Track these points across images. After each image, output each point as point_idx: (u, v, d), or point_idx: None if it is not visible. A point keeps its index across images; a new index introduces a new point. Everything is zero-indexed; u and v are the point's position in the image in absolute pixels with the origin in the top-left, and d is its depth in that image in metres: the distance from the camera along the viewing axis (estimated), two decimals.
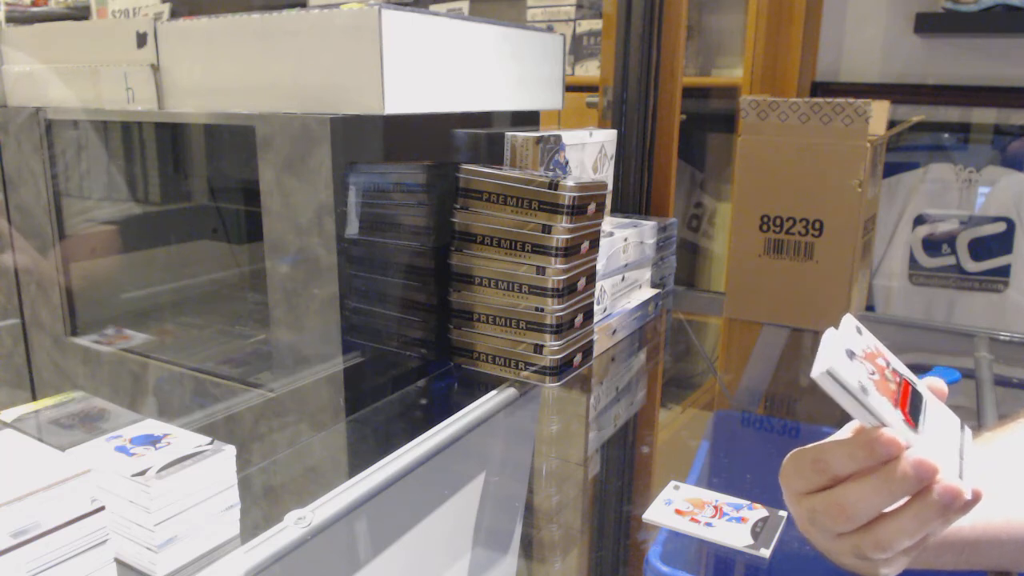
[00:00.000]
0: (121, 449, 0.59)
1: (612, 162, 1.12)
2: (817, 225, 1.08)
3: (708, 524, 0.65)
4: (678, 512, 0.67)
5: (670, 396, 1.06)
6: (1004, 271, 1.36)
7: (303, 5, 0.95)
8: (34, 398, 0.69)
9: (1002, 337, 1.13)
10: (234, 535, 0.61)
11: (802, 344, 1.14)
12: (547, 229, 0.80)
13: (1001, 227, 1.36)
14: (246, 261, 1.05)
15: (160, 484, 0.56)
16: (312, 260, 0.81)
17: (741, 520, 0.66)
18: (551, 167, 0.94)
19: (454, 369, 0.89)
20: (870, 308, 1.44)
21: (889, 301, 1.45)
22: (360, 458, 0.72)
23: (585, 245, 0.85)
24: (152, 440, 0.61)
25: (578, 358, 0.89)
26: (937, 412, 0.46)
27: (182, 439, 0.61)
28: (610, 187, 1.12)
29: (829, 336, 0.43)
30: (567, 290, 0.83)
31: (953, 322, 1.38)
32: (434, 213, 0.86)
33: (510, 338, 0.85)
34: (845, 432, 0.49)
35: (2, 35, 1.10)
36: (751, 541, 0.63)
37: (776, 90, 1.44)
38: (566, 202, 0.79)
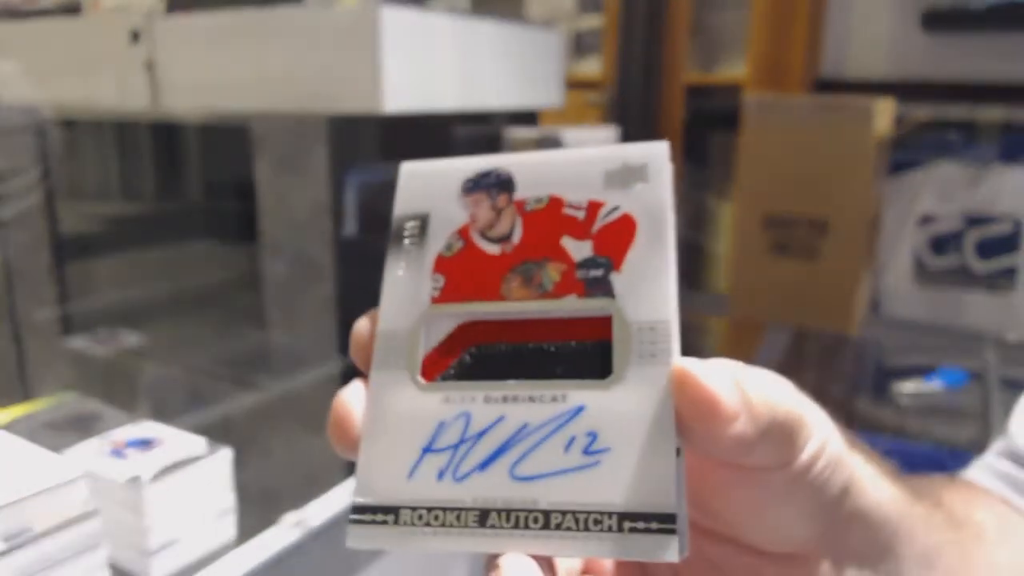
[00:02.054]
0: (115, 452, 0.59)
1: None
2: (822, 225, 1.07)
3: None
4: None
5: None
6: (1011, 271, 1.35)
7: (299, 1, 0.94)
8: (27, 400, 0.68)
9: (1009, 338, 1.13)
10: (230, 538, 0.61)
11: (807, 345, 1.13)
12: None
13: (1008, 227, 1.35)
14: (242, 261, 1.05)
15: (154, 488, 0.55)
16: (309, 260, 0.80)
17: None
18: None
19: None
20: (875, 308, 1.43)
21: (895, 301, 1.44)
22: None
23: None
24: (147, 442, 0.60)
25: None
26: None
27: (177, 441, 0.60)
28: None
29: None
30: None
31: (959, 323, 1.37)
32: None
33: None
34: None
35: None
36: None
37: (780, 88, 1.43)
38: None
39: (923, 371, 0.99)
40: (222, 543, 0.60)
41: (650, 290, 0.19)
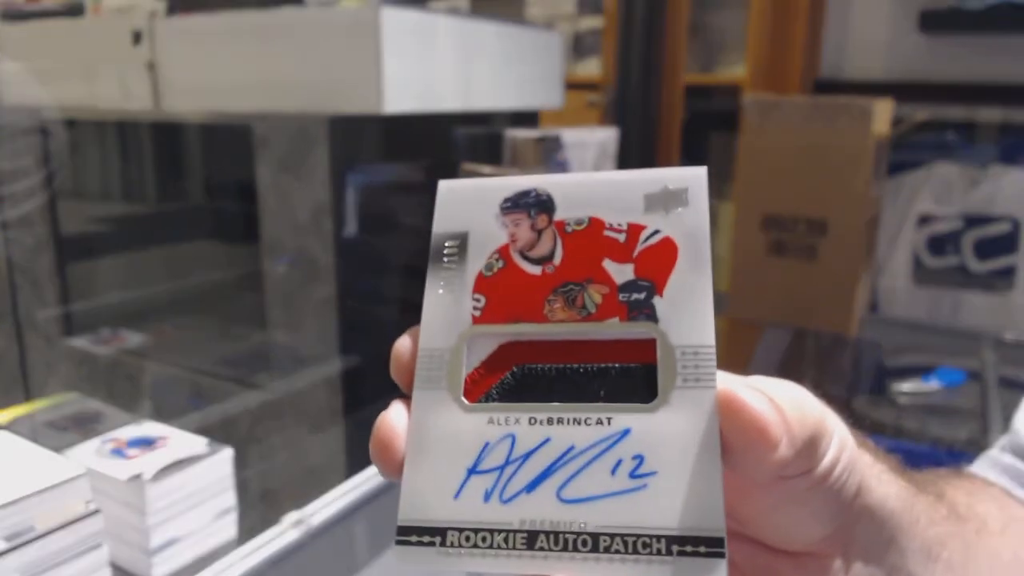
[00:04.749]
0: (116, 451, 0.59)
1: (613, 161, 1.12)
2: (821, 225, 1.07)
3: None
4: None
5: None
6: (1009, 271, 1.35)
7: (300, 2, 0.94)
8: (28, 400, 0.69)
9: (1007, 338, 1.13)
10: (231, 537, 0.61)
11: (806, 344, 1.13)
12: None
13: (1006, 227, 1.35)
14: (244, 261, 1.05)
15: (156, 487, 0.55)
16: (310, 260, 0.81)
17: None
18: (551, 166, 0.93)
19: None
20: (874, 309, 1.43)
21: (893, 301, 1.45)
22: (358, 459, 0.71)
23: None
24: (148, 442, 0.60)
25: None
26: None
27: (179, 441, 0.61)
28: None
29: None
30: None
31: (958, 323, 1.37)
32: (433, 213, 0.85)
33: None
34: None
35: None
36: None
37: (779, 88, 1.43)
38: None
39: (921, 371, 0.99)
40: (223, 542, 0.60)
41: (692, 315, 0.19)
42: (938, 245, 1.40)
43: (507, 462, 0.19)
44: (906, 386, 0.95)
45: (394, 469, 0.20)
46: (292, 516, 0.61)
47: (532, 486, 0.18)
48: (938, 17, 1.32)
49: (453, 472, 0.19)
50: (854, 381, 1.09)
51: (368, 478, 0.68)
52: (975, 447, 0.81)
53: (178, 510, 0.57)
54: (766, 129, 1.09)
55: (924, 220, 1.41)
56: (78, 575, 0.50)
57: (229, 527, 0.61)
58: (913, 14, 1.36)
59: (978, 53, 1.36)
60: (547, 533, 0.18)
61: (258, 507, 0.66)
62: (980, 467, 0.41)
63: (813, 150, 1.06)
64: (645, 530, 0.17)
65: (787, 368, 1.06)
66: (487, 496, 0.18)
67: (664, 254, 0.20)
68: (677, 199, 0.20)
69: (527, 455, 0.19)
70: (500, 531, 0.18)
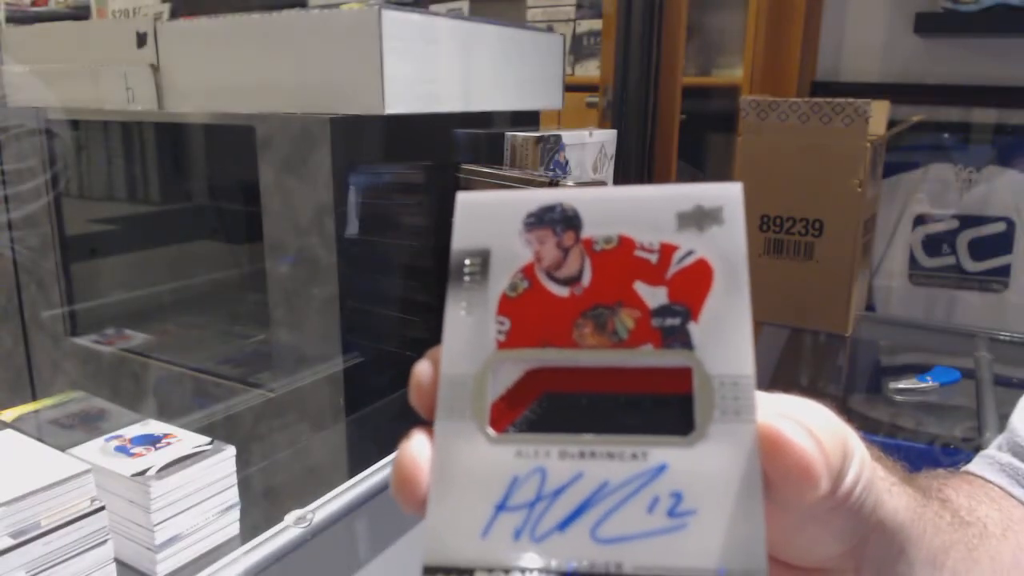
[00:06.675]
0: (121, 449, 0.59)
1: (612, 162, 1.12)
2: (817, 225, 1.08)
3: None
4: None
5: None
6: (1004, 271, 1.36)
7: (303, 5, 0.95)
8: (34, 398, 0.69)
9: (1002, 337, 1.14)
10: (234, 535, 0.62)
11: (803, 344, 1.13)
12: None
13: (1001, 227, 1.36)
14: (246, 261, 1.05)
15: (160, 484, 0.56)
16: (312, 260, 0.81)
17: None
18: (551, 167, 0.94)
19: None
20: (870, 308, 1.44)
21: (889, 301, 1.45)
22: (360, 458, 0.72)
23: None
24: (152, 440, 0.61)
25: None
26: None
27: (182, 439, 0.61)
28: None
29: None
30: None
31: (953, 322, 1.38)
32: (434, 213, 0.86)
33: None
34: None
35: (2, 35, 1.10)
36: None
37: (776, 90, 1.44)
38: None
39: (917, 369, 1.00)
40: (226, 539, 0.61)
41: (730, 342, 0.18)
42: (934, 245, 1.41)
43: (537, 498, 0.18)
44: (902, 384, 0.95)
45: (417, 505, 0.19)
46: (294, 514, 0.62)
47: (565, 524, 0.17)
48: (933, 19, 1.33)
49: (480, 509, 0.18)
50: (850, 380, 1.09)
51: (370, 476, 0.68)
52: (970, 445, 0.82)
53: (182, 507, 0.57)
54: (763, 130, 1.10)
55: (920, 220, 1.42)
56: (83, 571, 0.51)
57: (232, 524, 0.61)
58: (909, 16, 1.37)
59: (973, 55, 1.37)
60: (583, 574, 0.17)
61: (261, 505, 0.66)
62: (978, 466, 0.42)
63: (810, 151, 1.07)
64: (685, 571, 0.17)
65: (784, 367, 1.06)
66: (517, 535, 0.17)
67: (699, 277, 0.18)
68: (711, 217, 0.19)
69: (558, 491, 0.18)
70: (532, 572, 0.17)
